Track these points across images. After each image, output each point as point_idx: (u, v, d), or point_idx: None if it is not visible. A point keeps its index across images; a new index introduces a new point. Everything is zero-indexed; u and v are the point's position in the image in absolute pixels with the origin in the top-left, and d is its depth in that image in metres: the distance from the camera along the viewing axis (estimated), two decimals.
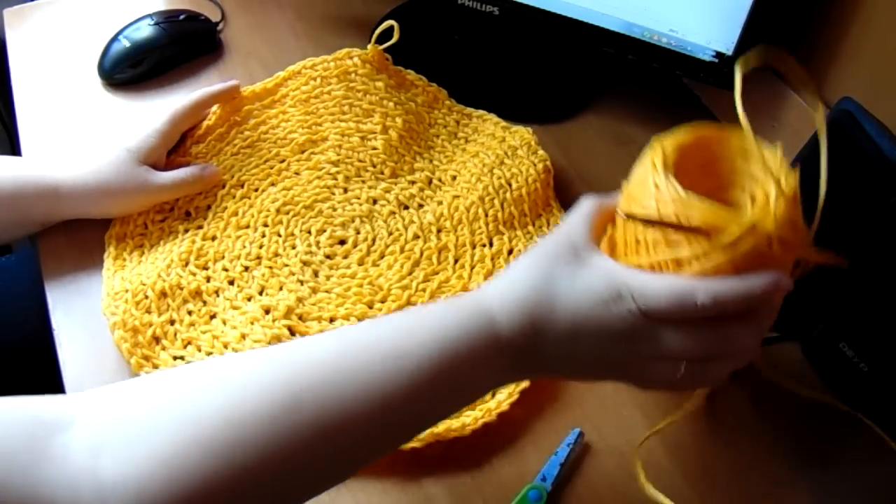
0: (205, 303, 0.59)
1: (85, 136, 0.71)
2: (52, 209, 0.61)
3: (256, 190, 0.67)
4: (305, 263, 0.62)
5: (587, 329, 0.41)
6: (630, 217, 0.42)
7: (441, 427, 0.52)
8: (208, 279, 0.60)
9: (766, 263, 0.40)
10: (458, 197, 0.67)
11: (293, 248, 0.63)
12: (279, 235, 0.64)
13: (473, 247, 0.64)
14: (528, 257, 0.43)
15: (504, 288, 0.42)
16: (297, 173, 0.68)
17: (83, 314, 0.59)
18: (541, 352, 0.42)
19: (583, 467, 0.54)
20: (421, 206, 0.67)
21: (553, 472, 0.52)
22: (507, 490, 0.52)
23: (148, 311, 0.57)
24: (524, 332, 0.41)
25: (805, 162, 0.60)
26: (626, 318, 0.40)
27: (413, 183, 0.68)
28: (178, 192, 0.65)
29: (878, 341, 0.54)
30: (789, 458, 0.55)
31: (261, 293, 0.60)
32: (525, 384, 0.55)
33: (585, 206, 0.45)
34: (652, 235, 0.41)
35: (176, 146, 0.68)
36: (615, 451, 0.54)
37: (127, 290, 0.58)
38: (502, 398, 0.55)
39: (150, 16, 0.78)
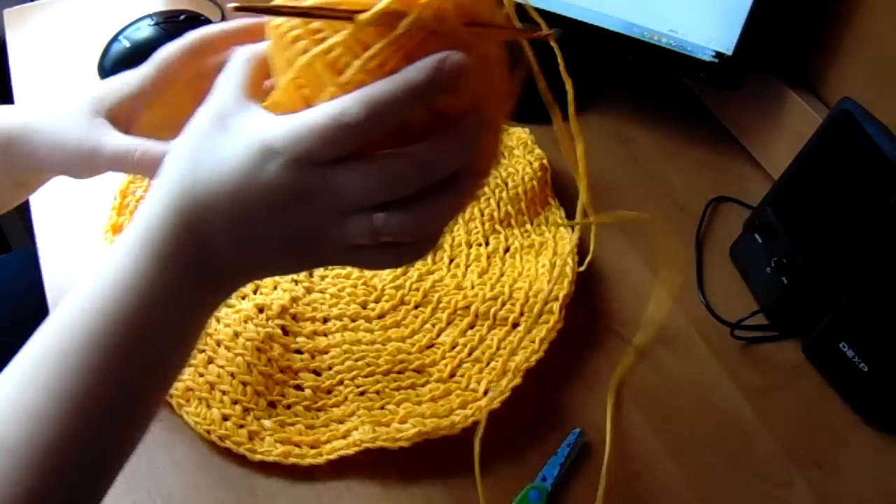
0: None
1: None
2: (10, 162, 0.49)
3: None
4: None
5: (251, 207, 0.34)
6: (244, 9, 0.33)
7: (429, 426, 0.52)
8: None
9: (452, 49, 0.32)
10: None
11: None
12: None
13: (469, 246, 0.64)
14: (170, 154, 0.36)
15: (149, 204, 0.36)
16: None
17: None
18: (216, 255, 0.35)
19: (583, 467, 0.53)
20: None
21: (553, 472, 0.52)
22: (507, 490, 0.52)
23: None
24: (183, 244, 0.35)
25: (805, 162, 0.60)
26: (285, 176, 0.33)
27: None
28: (121, 165, 0.47)
29: (878, 341, 0.54)
30: (789, 458, 0.55)
31: (255, 292, 0.60)
32: (517, 381, 0.55)
33: (238, 58, 0.37)
34: (301, 44, 0.34)
35: None
36: (615, 451, 0.54)
37: None
38: (493, 396, 0.55)
39: (150, 16, 0.78)
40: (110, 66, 0.76)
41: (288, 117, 0.33)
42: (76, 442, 0.34)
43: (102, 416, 0.35)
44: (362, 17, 0.31)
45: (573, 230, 0.65)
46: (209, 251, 0.35)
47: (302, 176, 0.33)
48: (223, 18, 0.83)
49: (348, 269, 0.62)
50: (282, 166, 0.33)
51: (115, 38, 0.77)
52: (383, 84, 0.32)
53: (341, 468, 0.52)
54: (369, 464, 0.52)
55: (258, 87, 0.37)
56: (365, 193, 0.33)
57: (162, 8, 0.81)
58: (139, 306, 0.35)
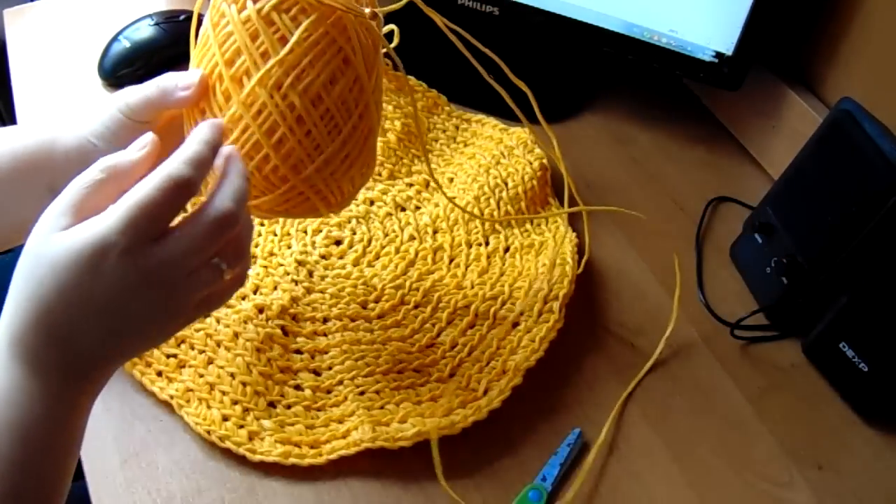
0: None
1: None
2: (54, 174, 0.46)
3: None
4: (300, 263, 0.62)
5: (101, 302, 0.36)
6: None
7: (429, 426, 0.52)
8: None
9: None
10: (454, 198, 0.67)
11: (289, 247, 0.63)
12: (275, 234, 0.64)
13: (469, 246, 0.64)
14: (14, 278, 0.38)
15: (9, 324, 0.38)
16: None
17: None
18: (85, 353, 0.38)
19: (583, 467, 0.53)
20: (418, 208, 0.67)
21: (553, 472, 0.52)
22: (507, 490, 0.52)
23: None
24: (51, 354, 0.37)
25: (805, 162, 0.60)
26: (127, 264, 0.36)
27: (410, 185, 0.68)
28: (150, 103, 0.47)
29: (878, 341, 0.54)
30: (789, 458, 0.55)
31: (255, 292, 0.60)
32: (518, 380, 0.55)
33: (72, 184, 0.39)
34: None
35: None
36: (615, 451, 0.54)
37: None
38: (493, 395, 0.54)
39: (150, 16, 0.78)
40: (110, 66, 0.76)
41: (110, 210, 0.36)
42: None
43: None
44: None
45: (572, 228, 0.65)
46: (76, 351, 0.37)
47: (143, 259, 0.36)
48: None
49: (348, 269, 0.62)
50: (120, 255, 0.36)
51: (115, 38, 0.77)
52: (193, 145, 0.39)
53: (341, 468, 0.52)
54: (369, 463, 0.52)
55: (89, 208, 0.38)
56: (203, 245, 0.38)
57: (162, 8, 0.81)
58: (22, 417, 0.36)
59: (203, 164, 0.39)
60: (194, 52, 0.47)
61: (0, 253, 0.58)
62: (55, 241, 0.37)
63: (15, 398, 0.37)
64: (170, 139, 0.44)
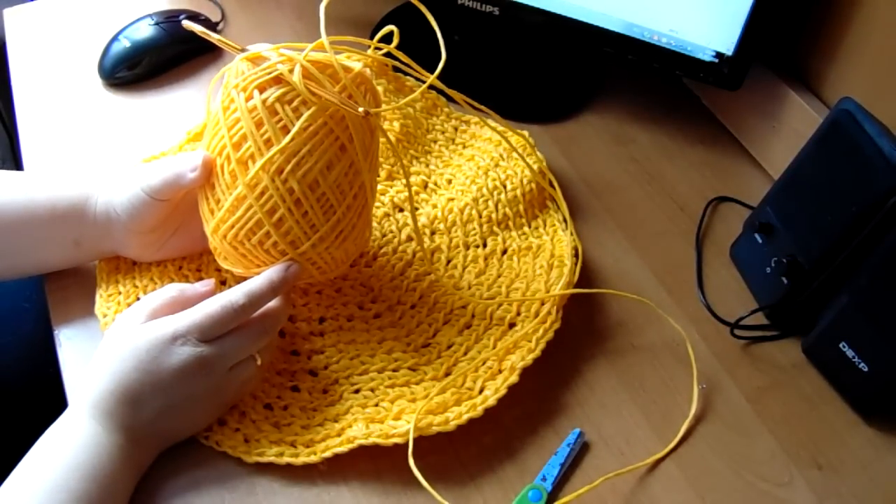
0: None
1: (85, 137, 0.72)
2: (82, 232, 0.56)
3: None
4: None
5: (164, 379, 0.47)
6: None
7: (424, 422, 0.52)
8: (200, 280, 0.60)
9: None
10: (452, 199, 0.67)
11: None
12: None
13: (467, 248, 0.64)
14: (89, 372, 0.49)
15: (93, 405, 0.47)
16: None
17: (83, 313, 0.59)
18: (147, 430, 0.48)
19: (583, 467, 0.53)
20: (416, 209, 0.67)
21: (553, 472, 0.52)
22: (507, 490, 0.52)
23: None
24: (120, 426, 0.47)
25: (805, 162, 0.60)
26: (192, 352, 0.47)
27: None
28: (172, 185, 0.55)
29: (878, 341, 0.54)
30: (789, 458, 0.55)
31: None
32: (514, 379, 0.55)
33: (162, 292, 0.51)
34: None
35: None
36: (615, 451, 0.54)
37: (119, 293, 0.58)
38: (489, 393, 0.54)
39: (150, 16, 0.78)
40: (110, 65, 0.76)
41: (184, 313, 0.48)
42: None
43: None
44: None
45: (570, 233, 0.65)
46: (140, 416, 0.47)
47: (201, 350, 0.47)
48: (223, 18, 0.83)
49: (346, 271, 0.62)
50: (185, 344, 0.47)
51: (115, 38, 0.77)
52: (256, 280, 0.50)
53: (341, 468, 0.52)
54: (369, 464, 0.52)
55: (161, 314, 0.50)
56: (245, 349, 0.50)
57: (162, 8, 0.81)
58: (94, 461, 0.46)
59: (260, 299, 0.49)
60: (207, 129, 0.53)
61: None
62: (136, 329, 0.48)
63: (90, 447, 0.45)
64: (187, 210, 0.56)
